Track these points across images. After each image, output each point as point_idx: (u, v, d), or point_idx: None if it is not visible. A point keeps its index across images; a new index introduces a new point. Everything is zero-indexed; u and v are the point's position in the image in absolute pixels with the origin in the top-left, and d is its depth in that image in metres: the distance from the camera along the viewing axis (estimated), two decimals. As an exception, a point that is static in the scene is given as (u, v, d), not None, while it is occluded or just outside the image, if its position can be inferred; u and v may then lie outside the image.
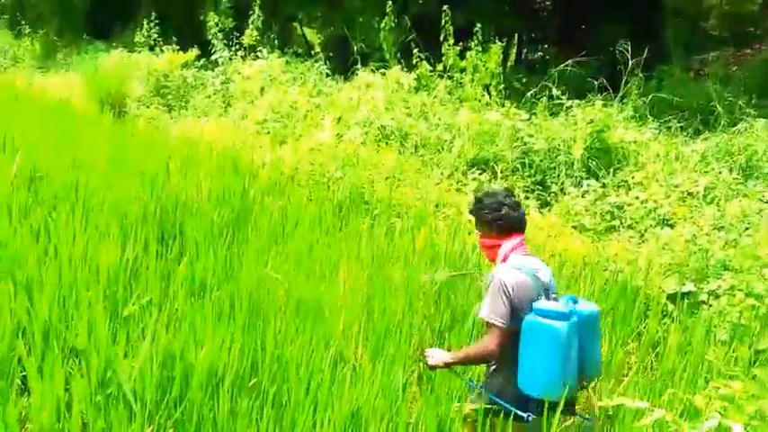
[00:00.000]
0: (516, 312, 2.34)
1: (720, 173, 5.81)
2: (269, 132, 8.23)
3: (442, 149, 7.20)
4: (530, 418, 2.31)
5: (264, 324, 3.18)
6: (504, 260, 2.48)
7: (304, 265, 4.16)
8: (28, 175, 5.08)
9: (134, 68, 10.24)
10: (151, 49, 10.97)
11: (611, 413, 2.96)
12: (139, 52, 10.97)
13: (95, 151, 5.99)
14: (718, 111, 7.20)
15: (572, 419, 2.52)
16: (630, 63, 7.45)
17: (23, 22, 14.69)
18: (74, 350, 2.91)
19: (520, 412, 2.33)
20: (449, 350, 2.71)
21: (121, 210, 4.49)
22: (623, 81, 7.77)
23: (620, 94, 7.40)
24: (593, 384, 2.40)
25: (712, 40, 13.23)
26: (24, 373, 2.79)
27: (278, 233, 4.77)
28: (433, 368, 2.63)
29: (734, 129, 6.72)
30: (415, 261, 4.46)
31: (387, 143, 7.52)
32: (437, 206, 6.13)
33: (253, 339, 3.02)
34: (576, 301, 2.35)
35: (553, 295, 2.40)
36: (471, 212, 2.63)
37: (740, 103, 7.40)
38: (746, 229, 4.81)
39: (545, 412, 2.18)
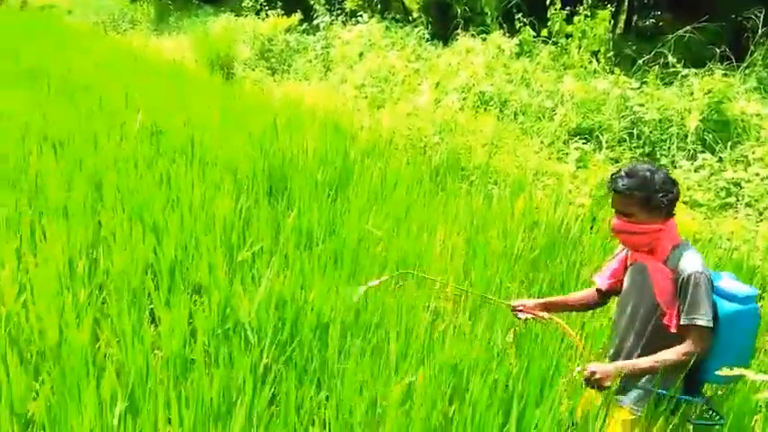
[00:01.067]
0: None
1: None
2: (366, 97, 8.33)
3: (543, 117, 7.01)
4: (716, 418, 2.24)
5: (367, 276, 3.30)
6: (673, 248, 2.21)
7: (402, 224, 4.24)
8: (149, 130, 5.47)
9: (240, 32, 10.63)
10: (257, 13, 11.32)
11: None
12: (246, 16, 11.35)
13: (207, 110, 6.33)
14: None
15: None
16: (759, 30, 6.85)
17: (140, -13, 15.59)
18: (195, 288, 3.16)
19: (695, 399, 2.23)
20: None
21: (233, 165, 4.75)
22: (745, 49, 7.17)
23: (745, 64, 6.84)
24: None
25: None
26: (152, 306, 3.07)
27: (377, 193, 4.87)
28: (606, 388, 2.24)
29: None
30: (513, 227, 4.42)
31: (485, 109, 7.42)
32: (536, 175, 6.01)
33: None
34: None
35: None
36: (631, 192, 2.17)
37: None
38: None
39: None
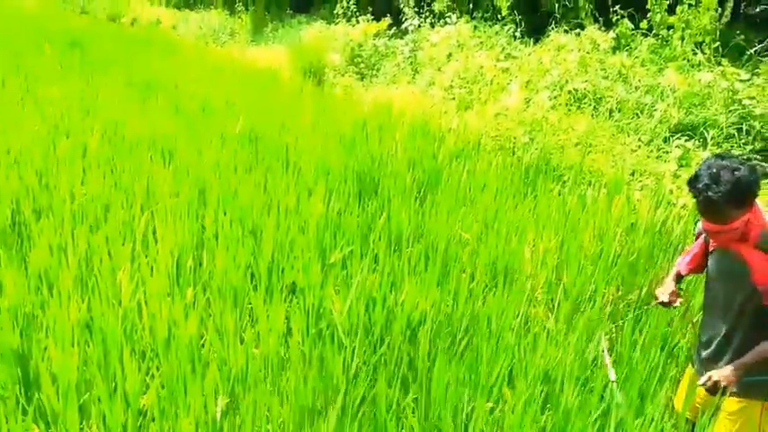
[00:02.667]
0: None
1: None
2: (454, 98, 8.29)
3: (641, 114, 6.67)
4: None
5: (456, 280, 3.30)
6: (764, 228, 2.18)
7: (491, 227, 4.20)
8: (248, 135, 5.75)
9: (332, 39, 10.91)
10: (348, 20, 11.58)
11: None
12: (337, 24, 11.64)
13: (300, 116, 6.57)
14: None
15: None
16: None
17: (238, 1, 16.38)
18: (291, 289, 3.29)
19: None
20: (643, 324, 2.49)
21: (325, 169, 4.90)
22: None
23: None
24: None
25: None
26: (250, 306, 3.23)
27: (466, 196, 4.85)
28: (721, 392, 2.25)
29: None
30: (609, 230, 4.25)
31: (579, 107, 7.17)
32: (633, 174, 5.74)
33: (446, 292, 3.15)
34: None
35: None
36: (727, 200, 2.11)
37: None
38: None
39: None
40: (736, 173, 2.09)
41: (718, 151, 5.70)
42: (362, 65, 10.33)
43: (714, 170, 2.11)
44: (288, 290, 3.29)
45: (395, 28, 10.98)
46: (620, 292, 3.70)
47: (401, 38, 10.68)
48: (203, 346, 2.82)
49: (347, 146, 5.39)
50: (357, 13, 11.45)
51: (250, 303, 3.17)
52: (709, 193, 2.10)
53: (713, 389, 2.21)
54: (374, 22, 10.93)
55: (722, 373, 2.21)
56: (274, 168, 4.77)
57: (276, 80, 9.08)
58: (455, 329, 2.91)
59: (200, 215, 3.86)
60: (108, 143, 5.18)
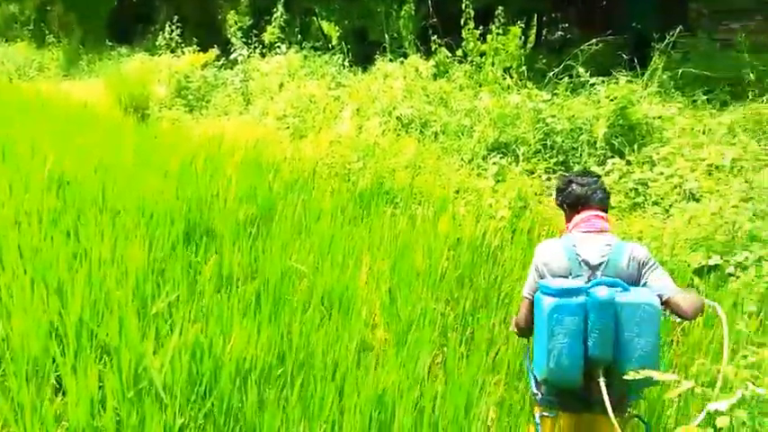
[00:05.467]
0: None
1: (747, 144, 5.66)
2: (288, 127, 8.29)
3: (463, 135, 7.16)
4: (537, 397, 2.29)
5: (290, 315, 3.24)
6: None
7: (327, 255, 4.21)
8: (57, 180, 5.23)
9: (155, 71, 10.42)
10: (172, 51, 11.13)
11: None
12: (160, 55, 11.14)
13: (120, 154, 6.13)
14: (748, 80, 6.98)
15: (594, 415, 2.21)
16: (656, 38, 7.28)
17: (47, 33, 15.05)
18: (106, 348, 3.01)
19: (534, 389, 2.32)
20: (469, 334, 2.67)
21: (148, 210, 4.59)
22: (648, 56, 7.59)
23: (648, 71, 7.23)
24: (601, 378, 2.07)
25: (737, 10, 12.82)
26: (59, 373, 2.90)
27: (302, 226, 4.83)
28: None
29: (763, 98, 6.53)
30: (437, 247, 4.46)
31: (407, 132, 7.51)
32: (458, 192, 6.12)
33: (279, 330, 3.08)
34: (625, 289, 2.13)
35: (600, 275, 2.20)
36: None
37: (770, 71, 7.16)
38: (776, 199, 4.69)
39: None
40: (557, 180, 2.55)
41: (528, 166, 6.28)
42: (191, 96, 9.97)
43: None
44: (102, 350, 3.00)
45: (224, 58, 10.77)
46: (449, 306, 3.88)
47: (231, 68, 10.49)
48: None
49: (173, 184, 5.11)
50: (182, 44, 11.05)
51: (57, 371, 2.84)
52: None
53: None
54: (201, 52, 10.62)
55: None
56: (88, 214, 4.37)
57: (93, 117, 8.42)
58: (288, 368, 2.84)
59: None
60: None
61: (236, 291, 3.51)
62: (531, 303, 2.27)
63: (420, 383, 2.81)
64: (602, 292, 2.09)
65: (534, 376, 2.31)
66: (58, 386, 2.83)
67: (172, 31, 11.25)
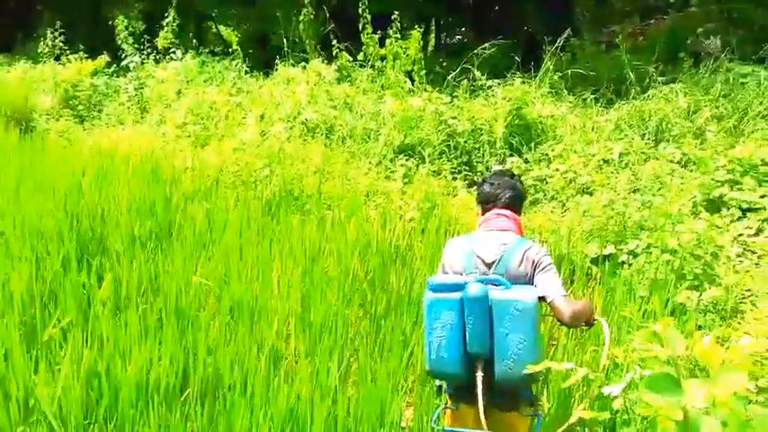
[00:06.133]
0: None
1: (633, 139, 6.08)
2: (189, 136, 7.99)
3: (369, 139, 7.20)
4: (440, 389, 2.36)
5: (195, 332, 3.10)
6: None
7: (235, 268, 4.08)
8: (-74, 203, 4.74)
9: (39, 81, 9.71)
10: (57, 58, 10.41)
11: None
12: (44, 63, 10.39)
13: (2, 171, 5.65)
14: (630, 79, 7.51)
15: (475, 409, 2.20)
16: (546, 40, 7.66)
17: None
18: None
19: (438, 383, 2.38)
20: (383, 337, 2.69)
21: (35, 231, 4.26)
22: (538, 58, 7.99)
23: (540, 72, 7.60)
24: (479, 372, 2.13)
25: (618, 13, 13.81)
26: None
27: (206, 239, 4.65)
28: None
29: (644, 96, 7.04)
30: (347, 251, 4.45)
31: (312, 137, 7.45)
32: (367, 195, 6.14)
33: (183, 349, 2.94)
34: (507, 287, 2.19)
35: (493, 273, 2.27)
36: None
37: (650, 69, 7.74)
38: (659, 189, 5.07)
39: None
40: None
41: (434, 167, 6.42)
42: (81, 106, 9.38)
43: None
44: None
45: (115, 65, 10.21)
46: (361, 310, 3.88)
47: (124, 75, 9.97)
48: None
49: (61, 200, 4.77)
50: (67, 51, 10.37)
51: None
52: None
53: None
54: (89, 59, 10.02)
55: None
56: (-35, 238, 3.99)
57: (-33, 132, 7.72)
58: (194, 387, 2.72)
59: None
60: None
61: (136, 311, 3.31)
62: None
63: (333, 392, 2.78)
64: (472, 289, 2.16)
65: None
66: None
67: (55, 37, 10.52)
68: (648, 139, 6.22)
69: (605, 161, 5.81)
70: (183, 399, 2.65)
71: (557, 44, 7.67)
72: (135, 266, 3.75)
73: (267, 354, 3.05)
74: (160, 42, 9.90)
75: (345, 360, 3.17)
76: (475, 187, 2.71)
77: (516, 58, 8.12)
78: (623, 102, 7.24)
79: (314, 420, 2.49)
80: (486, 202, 2.51)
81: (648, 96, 7.01)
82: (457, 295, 2.17)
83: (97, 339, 2.96)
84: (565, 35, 7.84)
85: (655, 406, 1.06)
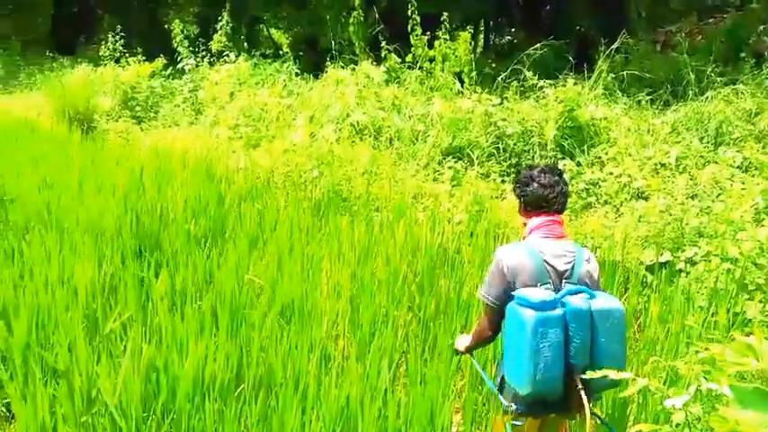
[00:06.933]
0: (510, 295, 2.21)
1: (691, 142, 5.88)
2: (241, 137, 8.17)
3: (417, 140, 7.20)
4: (511, 409, 2.24)
5: (248, 329, 3.17)
6: (524, 239, 2.36)
7: (285, 267, 4.14)
8: (-3, 199, 5.00)
9: (100, 83, 10.10)
10: (117, 61, 10.83)
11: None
12: (105, 66, 10.82)
13: (66, 170, 5.91)
14: (688, 80, 7.27)
15: (571, 421, 2.37)
16: (601, 41, 7.50)
17: (-17, 45, 14.45)
18: (57, 372, 2.88)
19: (505, 403, 2.26)
20: (432, 340, 2.68)
21: (96, 227, 4.44)
22: (592, 58, 7.83)
23: (595, 74, 7.44)
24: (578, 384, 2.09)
25: (674, 12, 13.38)
26: (8, 400, 2.77)
27: (257, 237, 4.75)
28: (458, 353, 2.63)
29: (703, 97, 6.81)
30: (396, 253, 4.46)
31: (361, 138, 7.50)
32: (415, 197, 6.14)
33: (237, 345, 3.01)
34: (593, 296, 2.15)
35: (568, 284, 2.20)
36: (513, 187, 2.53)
37: (707, 71, 7.48)
38: (719, 195, 4.89)
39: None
40: (524, 169, 2.49)
41: (483, 170, 6.36)
42: (139, 108, 9.72)
43: (529, 165, 2.64)
44: (53, 374, 2.87)
45: (171, 68, 10.54)
46: (410, 313, 3.88)
47: (179, 78, 10.28)
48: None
49: (121, 198, 4.95)
50: (126, 54, 10.76)
51: (6, 398, 2.71)
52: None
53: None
54: (146, 62, 10.37)
55: (461, 337, 2.57)
56: (33, 233, 4.19)
57: (35, 131, 8.10)
58: (248, 384, 2.78)
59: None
60: None
61: (192, 307, 3.41)
62: (496, 311, 2.25)
63: (383, 393, 2.79)
64: (580, 302, 2.10)
65: (509, 390, 2.26)
66: (7, 413, 2.69)
67: (116, 41, 10.95)
68: (708, 142, 6.01)
69: (661, 165, 5.64)
70: (236, 394, 2.71)
71: (613, 47, 7.48)
72: (190, 263, 3.85)
73: (318, 353, 3.09)
74: (214, 45, 10.16)
75: (395, 362, 3.18)
76: (516, 183, 2.45)
77: (570, 58, 7.98)
78: (680, 104, 7.02)
79: (364, 421, 2.51)
80: (538, 206, 2.34)
81: (707, 98, 6.78)
82: (559, 311, 2.09)
83: (155, 334, 3.06)
84: (621, 36, 7.64)
85: (732, 420, 1.03)
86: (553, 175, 2.39)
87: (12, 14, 15.50)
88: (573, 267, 2.22)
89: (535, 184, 2.36)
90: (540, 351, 2.07)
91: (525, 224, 2.40)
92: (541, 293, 2.12)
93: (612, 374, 1.93)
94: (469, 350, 2.53)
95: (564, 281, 2.20)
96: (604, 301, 2.15)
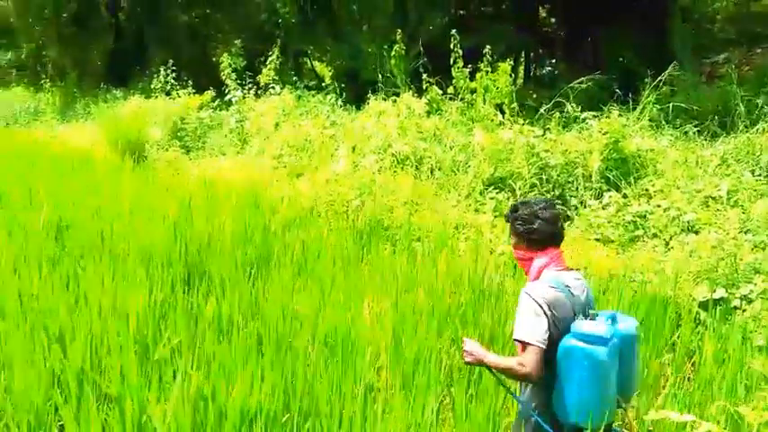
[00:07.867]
0: (552, 332, 2.20)
1: (742, 175, 5.72)
2: (285, 166, 8.34)
3: (458, 171, 7.21)
4: None
5: (293, 359, 3.19)
6: (538, 277, 2.35)
7: (329, 296, 4.17)
8: (55, 227, 5.21)
9: (151, 114, 10.50)
10: (167, 93, 11.25)
11: (651, 428, 2.90)
12: (156, 97, 11.25)
13: (118, 198, 6.13)
14: (738, 111, 7.10)
15: None
16: (647, 72, 7.42)
17: (44, 77, 15.19)
18: (108, 397, 2.95)
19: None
20: (488, 349, 2.60)
21: (147, 254, 4.57)
22: (636, 90, 7.75)
23: (641, 105, 7.35)
24: (632, 404, 2.24)
25: (720, 42, 13.15)
26: (62, 422, 2.84)
27: (301, 266, 4.80)
28: (468, 364, 2.47)
29: (753, 129, 6.64)
30: (438, 285, 4.44)
31: (402, 168, 7.56)
32: (456, 228, 6.12)
33: (282, 375, 3.03)
34: (614, 319, 2.19)
35: (591, 312, 2.25)
36: (506, 220, 2.48)
37: (758, 102, 7.29)
38: (774, 230, 4.72)
39: None
40: (520, 205, 2.42)
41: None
42: (188, 138, 10.05)
43: (522, 200, 2.56)
44: (105, 398, 2.94)
45: (218, 100, 10.89)
46: (454, 346, 3.84)
47: (226, 109, 10.60)
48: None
49: (171, 227, 5.10)
50: (177, 86, 11.18)
51: (60, 420, 2.78)
52: (506, 213, 2.49)
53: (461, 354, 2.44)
54: (195, 94, 10.74)
55: (475, 347, 2.38)
56: (87, 260, 4.34)
57: (89, 161, 8.45)
58: (294, 415, 2.78)
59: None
60: None
61: (238, 335, 3.46)
62: (544, 351, 2.21)
63: (428, 427, 2.76)
64: (628, 326, 2.20)
65: (559, 425, 2.23)
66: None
67: (167, 74, 11.39)
68: (760, 175, 5.83)
69: (712, 198, 5.50)
70: (282, 423, 2.72)
71: (659, 77, 7.39)
72: (237, 291, 3.92)
73: (363, 385, 3.08)
74: (263, 78, 10.47)
75: (440, 396, 3.14)
76: (516, 220, 2.39)
77: (616, 89, 7.91)
78: (730, 135, 6.85)
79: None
80: (544, 242, 2.34)
81: (759, 130, 6.60)
82: (615, 342, 2.14)
83: (204, 362, 3.10)
84: (669, 69, 7.54)
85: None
86: (553, 210, 2.42)
87: (70, 47, 16.27)
88: (587, 294, 2.33)
89: (540, 221, 2.35)
90: (609, 381, 2.14)
91: (526, 259, 2.40)
92: (600, 326, 2.15)
93: (674, 416, 1.89)
94: (490, 369, 2.43)
95: (587, 308, 2.28)
96: (629, 324, 2.26)
